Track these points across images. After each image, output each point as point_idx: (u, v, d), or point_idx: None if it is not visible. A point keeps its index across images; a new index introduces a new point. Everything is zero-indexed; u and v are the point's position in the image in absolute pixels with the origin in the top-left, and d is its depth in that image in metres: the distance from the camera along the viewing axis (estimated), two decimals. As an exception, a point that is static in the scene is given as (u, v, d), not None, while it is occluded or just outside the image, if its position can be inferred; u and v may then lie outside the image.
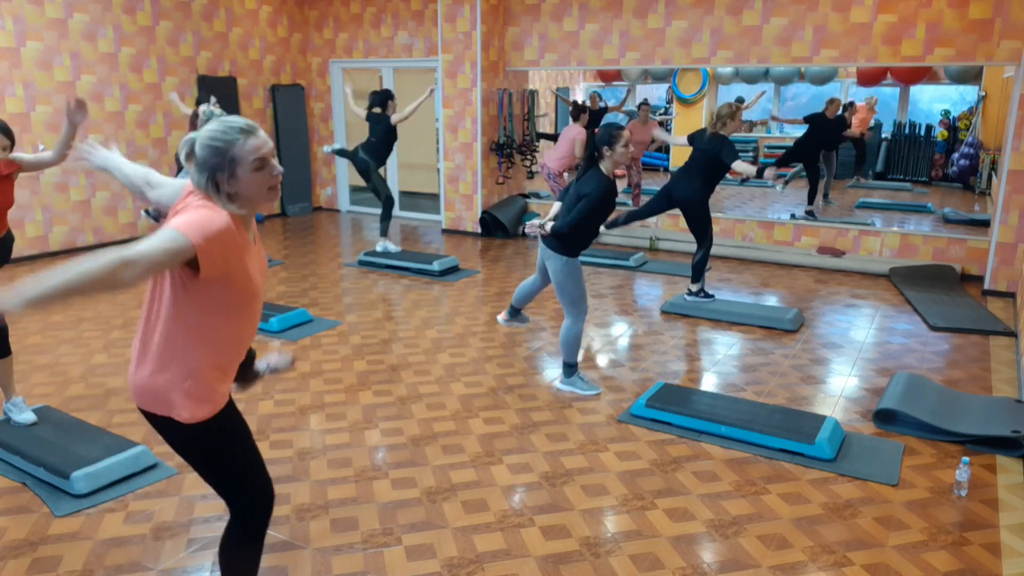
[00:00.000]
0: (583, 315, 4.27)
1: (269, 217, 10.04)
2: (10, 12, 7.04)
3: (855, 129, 11.09)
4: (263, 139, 1.86)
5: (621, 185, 10.88)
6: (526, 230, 4.21)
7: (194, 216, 1.76)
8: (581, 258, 7.65)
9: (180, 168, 5.82)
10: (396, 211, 10.38)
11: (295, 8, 10.03)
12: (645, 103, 9.76)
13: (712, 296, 6.08)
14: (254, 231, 2.01)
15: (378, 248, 7.50)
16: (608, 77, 14.85)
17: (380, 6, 9.55)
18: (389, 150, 7.44)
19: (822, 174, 10.07)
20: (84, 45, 7.67)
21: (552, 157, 8.01)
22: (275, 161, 1.88)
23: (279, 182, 1.90)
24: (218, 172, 1.81)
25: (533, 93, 9.77)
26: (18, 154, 3.68)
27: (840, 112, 9.75)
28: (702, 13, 7.71)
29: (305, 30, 10.23)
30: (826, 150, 9.97)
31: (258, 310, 2.00)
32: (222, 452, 1.98)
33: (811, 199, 9.24)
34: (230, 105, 9.21)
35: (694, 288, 6.04)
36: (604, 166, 4.07)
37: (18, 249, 7.39)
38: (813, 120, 9.11)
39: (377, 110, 7.27)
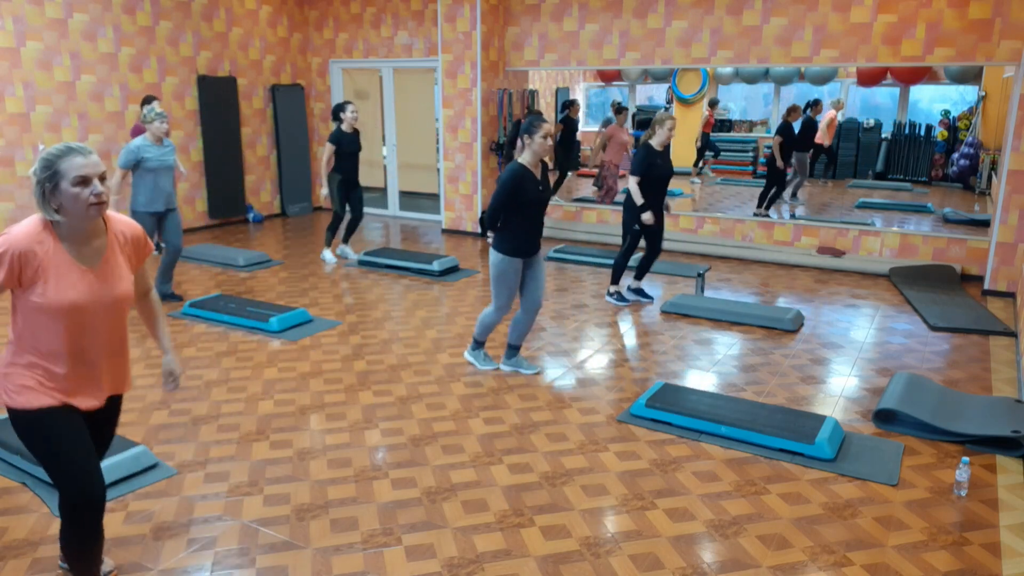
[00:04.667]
0: (503, 311, 4.49)
1: (269, 217, 10.04)
2: (10, 12, 7.04)
3: (824, 138, 11.15)
4: (92, 161, 2.07)
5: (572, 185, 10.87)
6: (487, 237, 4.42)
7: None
8: (579, 257, 7.69)
9: None
10: (396, 211, 10.39)
11: (295, 8, 10.03)
12: (623, 108, 9.74)
13: (627, 301, 6.14)
14: (104, 250, 2.20)
15: (321, 255, 7.58)
16: (608, 77, 14.84)
17: (380, 6, 9.55)
18: (342, 165, 7.22)
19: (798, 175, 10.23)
20: (84, 45, 7.67)
21: None
22: (99, 182, 2.06)
23: (101, 202, 2.07)
24: (45, 183, 2.04)
25: (533, 93, 9.77)
26: None
27: (806, 114, 9.85)
28: (702, 13, 7.71)
29: (305, 30, 10.23)
30: (798, 151, 10.01)
31: (84, 325, 2.17)
32: (37, 442, 2.20)
33: (763, 202, 9.22)
34: (230, 105, 9.23)
35: (611, 289, 6.20)
36: (523, 156, 4.19)
37: (18, 249, 7.40)
38: (783, 130, 9.12)
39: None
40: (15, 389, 2.16)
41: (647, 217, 5.71)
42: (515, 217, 4.26)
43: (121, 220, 2.28)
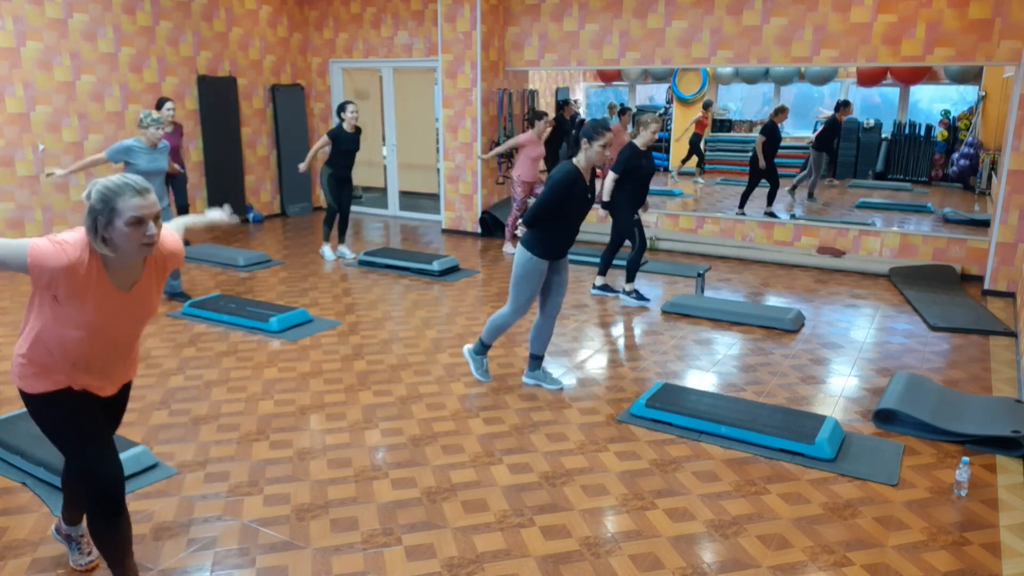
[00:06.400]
0: (519, 314, 4.28)
1: (269, 217, 10.04)
2: (10, 12, 7.04)
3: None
4: (149, 202, 2.07)
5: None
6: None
7: (51, 242, 2.05)
8: (580, 257, 7.72)
9: None
10: (396, 211, 10.40)
11: (295, 8, 10.03)
12: (627, 109, 9.81)
13: (647, 300, 6.20)
14: (140, 274, 2.23)
15: (320, 251, 7.67)
16: (608, 77, 14.85)
17: (380, 6, 9.55)
18: (337, 160, 7.28)
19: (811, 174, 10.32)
20: (84, 45, 7.67)
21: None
22: (152, 224, 2.08)
23: (152, 243, 2.10)
24: (99, 216, 2.04)
25: (533, 93, 9.77)
26: None
27: (832, 115, 10.05)
28: (702, 13, 7.71)
29: (305, 30, 10.23)
30: (815, 150, 10.18)
31: (106, 339, 2.22)
32: (48, 423, 2.28)
33: (744, 202, 9.26)
34: (230, 105, 9.23)
35: (627, 287, 6.24)
36: (578, 159, 4.07)
37: (18, 249, 7.40)
38: (767, 130, 9.15)
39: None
40: (31, 375, 2.21)
41: (601, 215, 5.84)
42: (555, 219, 4.07)
43: (165, 239, 2.30)
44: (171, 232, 2.39)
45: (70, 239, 2.09)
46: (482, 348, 4.52)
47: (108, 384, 2.37)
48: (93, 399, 2.34)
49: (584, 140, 4.02)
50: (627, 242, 6.20)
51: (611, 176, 5.86)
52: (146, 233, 2.06)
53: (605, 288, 6.45)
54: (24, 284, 6.57)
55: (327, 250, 7.70)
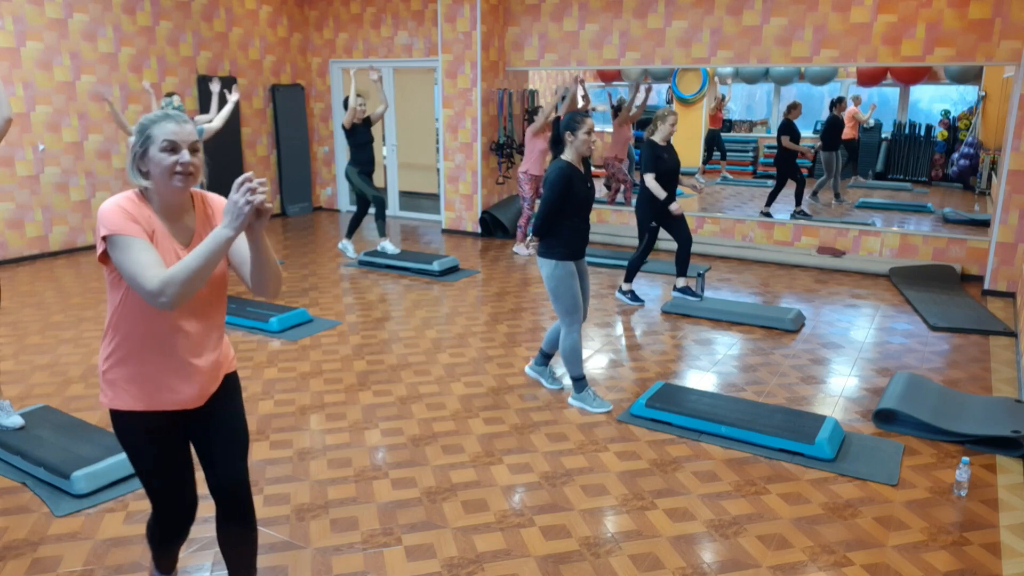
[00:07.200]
0: (578, 323, 4.15)
1: (269, 217, 10.03)
2: (10, 12, 7.04)
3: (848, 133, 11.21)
4: (184, 129, 1.99)
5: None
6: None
7: (109, 210, 1.92)
8: (587, 259, 7.68)
9: None
10: (396, 211, 10.40)
11: (295, 8, 10.03)
12: (621, 103, 9.82)
13: (642, 301, 6.19)
14: (194, 227, 2.11)
15: (378, 248, 7.53)
16: (608, 77, 14.85)
17: (380, 6, 9.55)
18: (358, 156, 7.32)
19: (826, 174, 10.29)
20: (84, 45, 7.67)
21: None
22: (187, 151, 1.99)
23: (187, 172, 2.00)
24: (136, 147, 1.97)
25: (533, 93, 9.77)
26: None
27: (831, 112, 10.06)
28: (702, 13, 7.71)
29: (305, 30, 10.23)
30: (824, 151, 10.19)
31: (177, 315, 2.04)
32: (125, 447, 2.14)
33: (771, 201, 9.24)
34: (230, 105, 9.22)
35: (624, 287, 6.25)
36: (567, 154, 4.05)
37: (18, 249, 7.40)
38: (786, 128, 9.12)
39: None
40: (113, 391, 2.06)
41: (675, 207, 5.80)
42: (564, 219, 4.02)
43: (211, 196, 2.19)
44: (218, 196, 2.24)
45: (111, 201, 1.95)
46: (579, 382, 4.22)
47: (192, 384, 2.10)
48: (177, 423, 2.14)
49: (567, 134, 4.01)
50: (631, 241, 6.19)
51: (648, 178, 5.74)
52: (180, 160, 1.97)
53: (686, 291, 6.24)
54: (24, 284, 6.57)
55: (388, 245, 7.50)
